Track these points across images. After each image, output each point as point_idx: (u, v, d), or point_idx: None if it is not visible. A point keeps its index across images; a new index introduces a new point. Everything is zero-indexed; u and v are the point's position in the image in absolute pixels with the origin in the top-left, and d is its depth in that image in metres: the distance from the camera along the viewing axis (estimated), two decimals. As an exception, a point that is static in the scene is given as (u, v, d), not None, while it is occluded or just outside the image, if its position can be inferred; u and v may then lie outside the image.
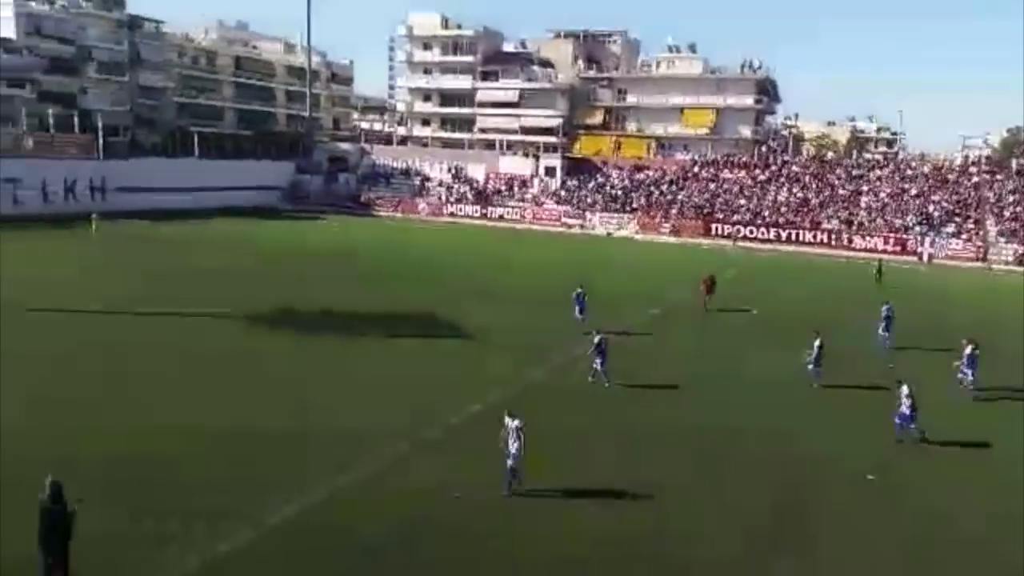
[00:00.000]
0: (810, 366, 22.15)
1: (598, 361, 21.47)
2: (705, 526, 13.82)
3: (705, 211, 68.76)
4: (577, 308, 28.15)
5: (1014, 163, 72.57)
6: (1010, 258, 57.19)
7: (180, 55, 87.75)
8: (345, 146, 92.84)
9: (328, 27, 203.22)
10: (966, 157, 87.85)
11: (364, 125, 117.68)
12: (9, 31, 69.95)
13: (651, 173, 77.27)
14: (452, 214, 75.25)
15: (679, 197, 71.88)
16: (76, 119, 67.44)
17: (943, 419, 18.87)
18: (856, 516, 14.46)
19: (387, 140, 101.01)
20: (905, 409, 17.81)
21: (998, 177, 67.38)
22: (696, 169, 76.30)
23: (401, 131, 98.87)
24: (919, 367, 22.56)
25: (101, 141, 66.61)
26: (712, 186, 72.77)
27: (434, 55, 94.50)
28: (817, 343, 22.13)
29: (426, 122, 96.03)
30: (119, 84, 79.16)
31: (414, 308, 30.33)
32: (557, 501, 14.35)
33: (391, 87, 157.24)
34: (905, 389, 17.94)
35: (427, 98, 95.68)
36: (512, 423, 14.44)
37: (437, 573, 12.10)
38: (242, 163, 77.71)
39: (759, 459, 16.93)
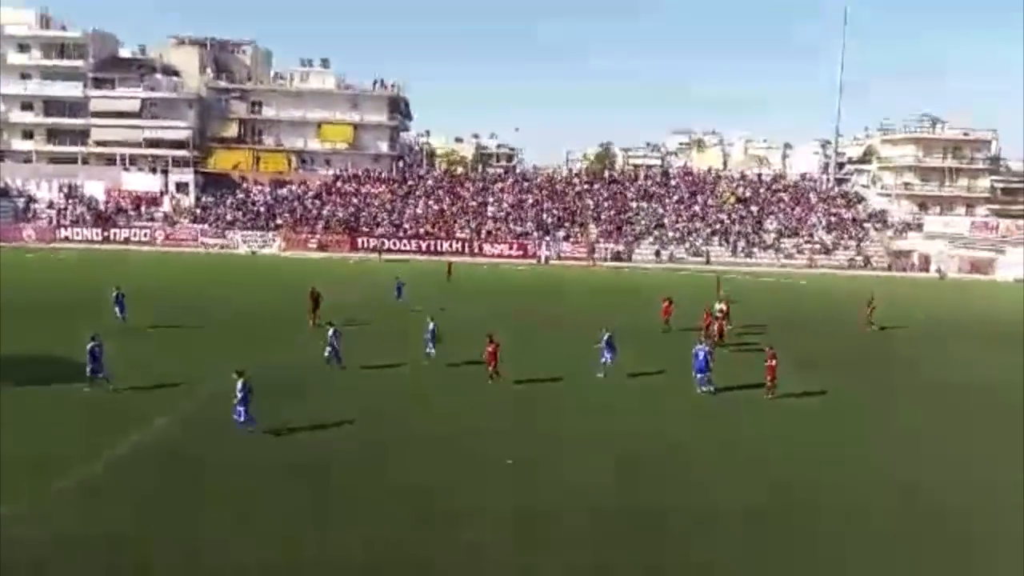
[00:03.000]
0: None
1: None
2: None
3: (350, 225, 70.35)
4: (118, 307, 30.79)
5: (607, 174, 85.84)
6: (608, 256, 67.68)
7: None
8: (-83, 163, 77.45)
9: None
10: (570, 170, 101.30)
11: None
12: None
13: (294, 188, 76.81)
14: (67, 238, 67.12)
15: (324, 212, 72.53)
16: None
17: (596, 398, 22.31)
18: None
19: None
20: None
21: (595, 187, 79.06)
22: (339, 184, 77.58)
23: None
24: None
25: None
26: (355, 200, 74.63)
27: (34, 58, 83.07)
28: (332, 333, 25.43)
29: (28, 134, 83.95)
30: None
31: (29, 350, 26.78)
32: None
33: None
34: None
35: (28, 107, 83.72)
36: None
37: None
38: None
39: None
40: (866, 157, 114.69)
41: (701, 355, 23.56)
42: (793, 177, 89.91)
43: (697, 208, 75.33)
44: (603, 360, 24.86)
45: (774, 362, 23.08)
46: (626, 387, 24.31)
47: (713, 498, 16.06)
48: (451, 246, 67.78)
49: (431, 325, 26.31)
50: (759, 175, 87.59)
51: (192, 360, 25.92)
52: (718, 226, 72.39)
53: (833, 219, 74.41)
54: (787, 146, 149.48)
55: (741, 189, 78.95)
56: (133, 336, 28.99)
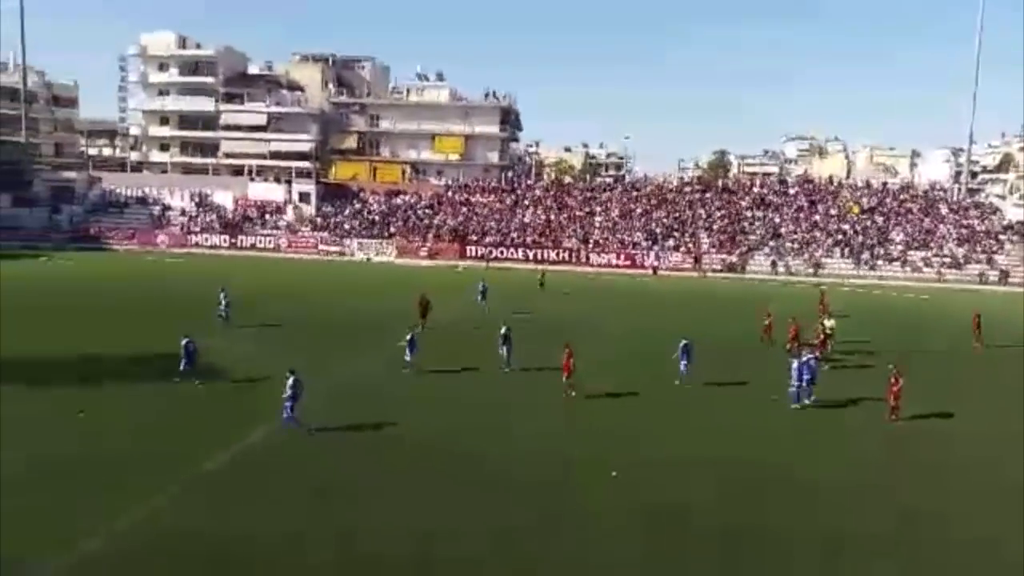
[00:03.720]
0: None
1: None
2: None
3: (460, 234, 71.48)
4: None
5: (720, 182, 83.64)
6: (718, 266, 65.80)
7: None
8: (70, 174, 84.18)
9: (48, 45, 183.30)
10: (681, 178, 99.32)
11: (92, 151, 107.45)
12: None
13: (407, 198, 78.75)
14: (197, 244, 71.20)
15: (435, 221, 74.03)
16: None
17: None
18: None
19: (120, 167, 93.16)
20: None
21: (707, 195, 77.12)
22: (449, 194, 79.03)
23: (135, 157, 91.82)
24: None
25: None
26: (465, 210, 75.79)
27: (171, 75, 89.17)
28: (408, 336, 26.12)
29: (165, 147, 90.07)
30: None
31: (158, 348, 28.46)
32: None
33: (123, 110, 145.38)
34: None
35: (165, 121, 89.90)
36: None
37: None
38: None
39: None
40: (1003, 165, 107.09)
41: (795, 365, 22.68)
42: (922, 186, 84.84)
43: (817, 218, 72.21)
44: (681, 369, 25.06)
45: (898, 384, 21.56)
46: (720, 401, 23.50)
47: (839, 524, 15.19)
48: (558, 255, 67.67)
49: (503, 330, 26.68)
50: (884, 184, 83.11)
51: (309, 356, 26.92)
52: (840, 236, 69.11)
53: (965, 231, 69.62)
54: (915, 154, 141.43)
55: (865, 198, 75.14)
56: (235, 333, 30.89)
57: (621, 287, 53.58)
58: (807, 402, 22.82)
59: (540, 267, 57.79)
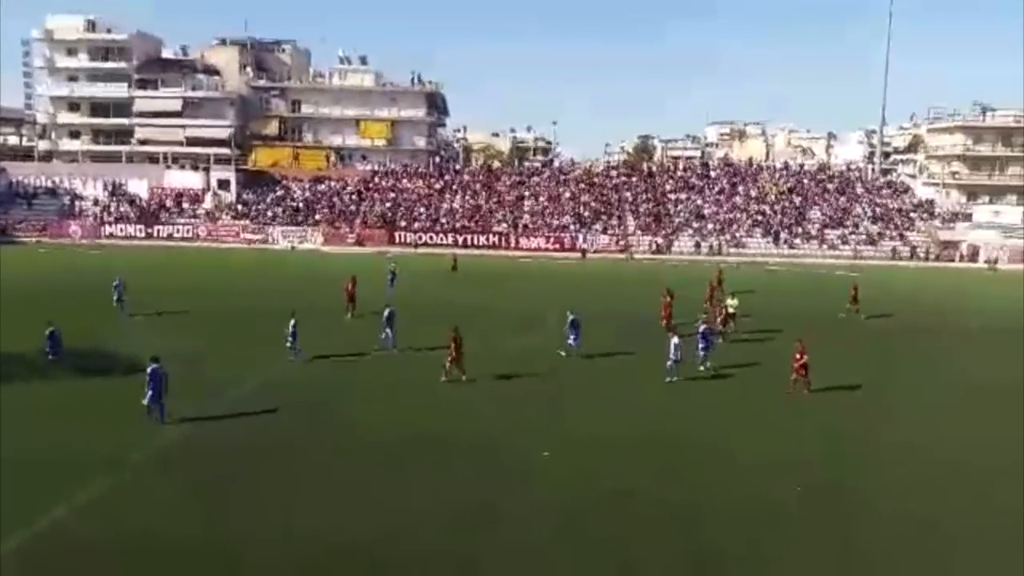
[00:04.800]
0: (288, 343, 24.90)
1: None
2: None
3: (388, 220, 70.60)
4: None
5: (645, 166, 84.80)
6: (646, 248, 66.85)
7: None
8: (-28, 164, 79.69)
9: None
10: (608, 163, 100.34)
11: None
12: None
13: (332, 184, 77.28)
14: (111, 235, 68.33)
15: (362, 207, 72.92)
16: None
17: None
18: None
19: (27, 156, 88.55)
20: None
21: (633, 179, 78.14)
22: (376, 179, 77.92)
23: (44, 145, 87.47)
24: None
25: None
26: (393, 195, 74.87)
27: (80, 61, 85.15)
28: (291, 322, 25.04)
29: (75, 134, 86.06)
30: None
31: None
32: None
33: (28, 96, 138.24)
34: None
35: (75, 108, 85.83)
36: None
37: None
38: None
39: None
40: (913, 147, 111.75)
41: (674, 341, 23.25)
42: (838, 167, 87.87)
43: (738, 199, 74.01)
44: (568, 341, 25.79)
45: (803, 357, 22.06)
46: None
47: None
48: (488, 240, 67.55)
49: (386, 312, 26.62)
50: (802, 165, 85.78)
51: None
52: (760, 217, 71.02)
53: (879, 209, 72.50)
54: (831, 136, 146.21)
55: (784, 180, 77.37)
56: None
57: (544, 270, 53.86)
58: (701, 369, 23.95)
59: (452, 252, 57.57)
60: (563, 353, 25.85)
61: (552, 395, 22.03)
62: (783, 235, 68.35)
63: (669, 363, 23.10)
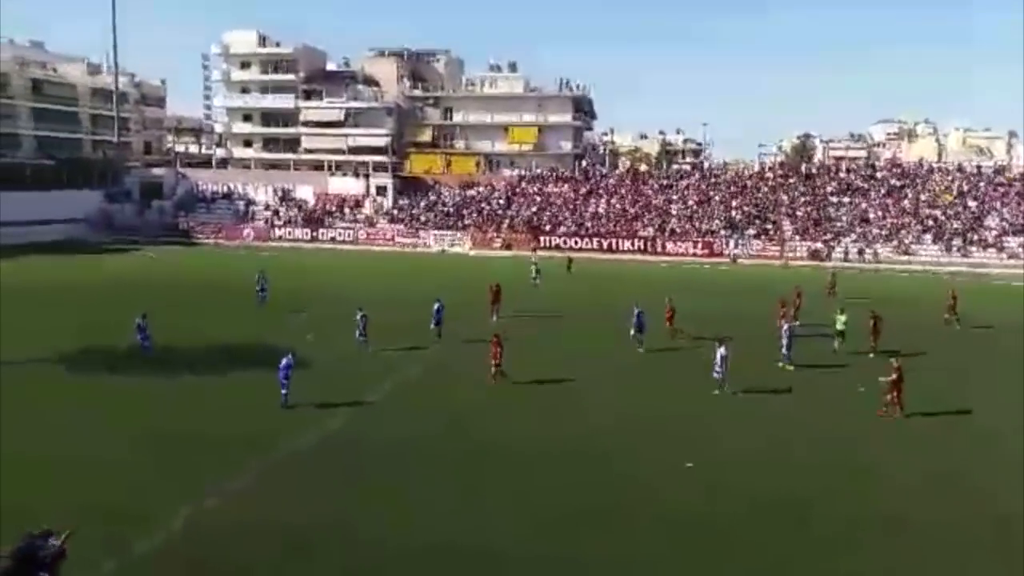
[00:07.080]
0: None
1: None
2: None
3: (534, 224, 71.36)
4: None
5: (803, 168, 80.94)
6: (803, 253, 63.77)
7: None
8: (159, 171, 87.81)
9: (136, 46, 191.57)
10: (762, 164, 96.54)
11: (179, 148, 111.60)
12: None
13: (481, 189, 79.08)
14: (280, 238, 73.20)
15: (509, 212, 74.14)
16: None
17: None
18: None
19: (206, 163, 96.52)
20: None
21: (790, 181, 74.76)
22: (523, 184, 78.99)
23: (220, 153, 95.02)
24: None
25: None
26: (539, 200, 75.62)
27: (253, 74, 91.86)
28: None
29: (248, 143, 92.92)
30: None
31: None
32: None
33: (207, 108, 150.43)
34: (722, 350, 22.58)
35: (247, 118, 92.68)
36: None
37: None
38: (42, 194, 70.24)
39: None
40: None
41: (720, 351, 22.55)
42: (1020, 169, 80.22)
43: (907, 203, 69.19)
44: (632, 333, 27.64)
45: (894, 376, 20.65)
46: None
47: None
48: (633, 244, 66.80)
49: (436, 306, 28.82)
50: (979, 167, 78.95)
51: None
52: (930, 223, 66.08)
53: (1068, 214, 65.56)
54: (1012, 135, 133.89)
55: (958, 183, 71.57)
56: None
57: (684, 275, 52.35)
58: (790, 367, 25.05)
59: (568, 255, 57.95)
60: (641, 350, 27.36)
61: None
62: (956, 242, 63.23)
63: (715, 375, 22.62)
